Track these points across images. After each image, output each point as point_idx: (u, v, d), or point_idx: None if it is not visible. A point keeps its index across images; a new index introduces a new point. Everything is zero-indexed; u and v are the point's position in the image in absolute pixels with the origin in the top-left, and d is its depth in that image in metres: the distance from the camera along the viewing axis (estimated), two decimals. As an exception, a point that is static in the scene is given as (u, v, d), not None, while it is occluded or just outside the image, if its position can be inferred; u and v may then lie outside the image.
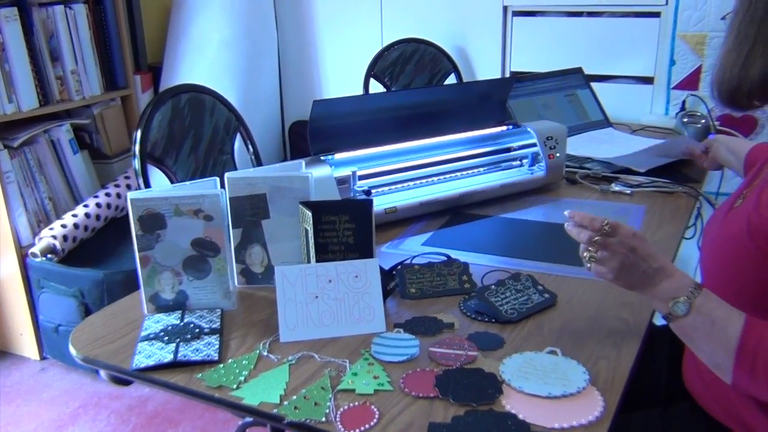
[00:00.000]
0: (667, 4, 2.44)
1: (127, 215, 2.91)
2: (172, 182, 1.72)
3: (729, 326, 0.87)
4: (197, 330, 1.08)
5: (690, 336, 0.91)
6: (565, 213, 0.98)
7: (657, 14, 2.49)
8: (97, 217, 2.63)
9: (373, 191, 1.52)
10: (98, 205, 2.65)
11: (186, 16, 3.13)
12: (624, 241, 0.93)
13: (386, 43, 2.92)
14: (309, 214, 1.14)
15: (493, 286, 1.17)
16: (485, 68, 2.92)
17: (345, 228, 1.16)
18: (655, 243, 1.29)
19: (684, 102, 2.42)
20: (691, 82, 2.46)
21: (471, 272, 1.24)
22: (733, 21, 0.96)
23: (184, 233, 1.13)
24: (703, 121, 2.22)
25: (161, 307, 1.16)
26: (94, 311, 1.37)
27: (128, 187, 2.77)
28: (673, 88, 2.50)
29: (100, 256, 2.48)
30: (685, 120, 2.25)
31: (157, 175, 1.77)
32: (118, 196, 2.73)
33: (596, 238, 0.93)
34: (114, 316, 1.15)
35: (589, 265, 0.95)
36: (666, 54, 2.48)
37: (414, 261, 1.29)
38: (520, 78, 2.32)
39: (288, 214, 1.21)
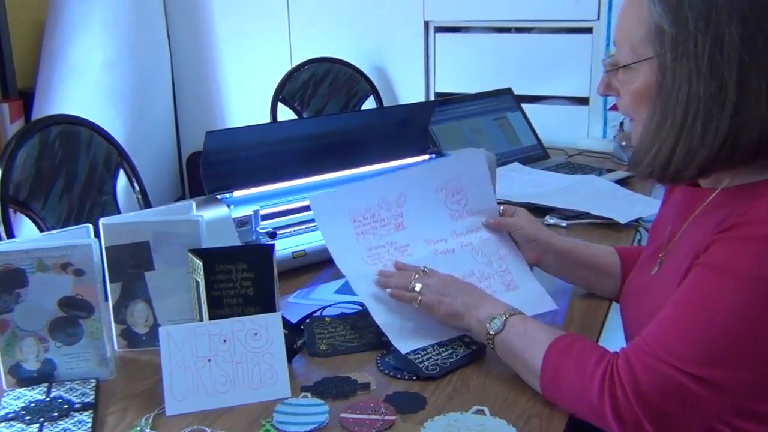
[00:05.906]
0: (598, 19, 2.56)
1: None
2: (41, 230, 1.66)
3: (538, 342, 1.03)
4: (66, 406, 1.03)
5: (508, 351, 1.06)
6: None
7: (589, 30, 2.60)
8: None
9: (278, 233, 1.50)
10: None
11: (62, 35, 3.06)
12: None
13: (295, 63, 2.94)
14: (199, 263, 1.12)
15: (413, 338, 1.17)
16: (407, 90, 2.97)
17: (243, 278, 1.14)
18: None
19: (621, 124, 2.52)
20: (628, 103, 2.58)
21: (390, 323, 1.24)
22: None
23: (49, 292, 1.08)
24: (641, 144, 2.31)
25: (24, 379, 1.10)
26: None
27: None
28: (610, 109, 2.61)
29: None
30: (623, 144, 2.34)
31: (23, 223, 1.71)
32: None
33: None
34: (-36, 394, 1.09)
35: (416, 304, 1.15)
36: (600, 73, 2.58)
37: (325, 313, 1.28)
38: (443, 101, 2.37)
39: (175, 264, 1.18)
